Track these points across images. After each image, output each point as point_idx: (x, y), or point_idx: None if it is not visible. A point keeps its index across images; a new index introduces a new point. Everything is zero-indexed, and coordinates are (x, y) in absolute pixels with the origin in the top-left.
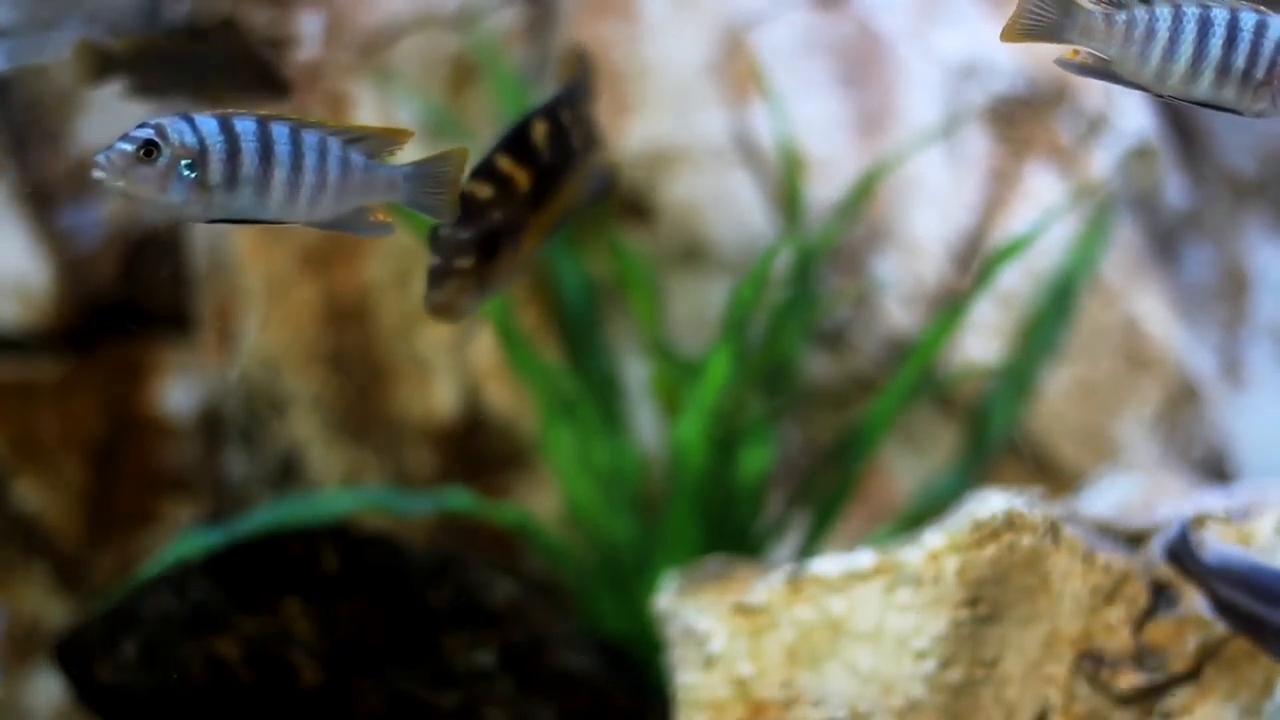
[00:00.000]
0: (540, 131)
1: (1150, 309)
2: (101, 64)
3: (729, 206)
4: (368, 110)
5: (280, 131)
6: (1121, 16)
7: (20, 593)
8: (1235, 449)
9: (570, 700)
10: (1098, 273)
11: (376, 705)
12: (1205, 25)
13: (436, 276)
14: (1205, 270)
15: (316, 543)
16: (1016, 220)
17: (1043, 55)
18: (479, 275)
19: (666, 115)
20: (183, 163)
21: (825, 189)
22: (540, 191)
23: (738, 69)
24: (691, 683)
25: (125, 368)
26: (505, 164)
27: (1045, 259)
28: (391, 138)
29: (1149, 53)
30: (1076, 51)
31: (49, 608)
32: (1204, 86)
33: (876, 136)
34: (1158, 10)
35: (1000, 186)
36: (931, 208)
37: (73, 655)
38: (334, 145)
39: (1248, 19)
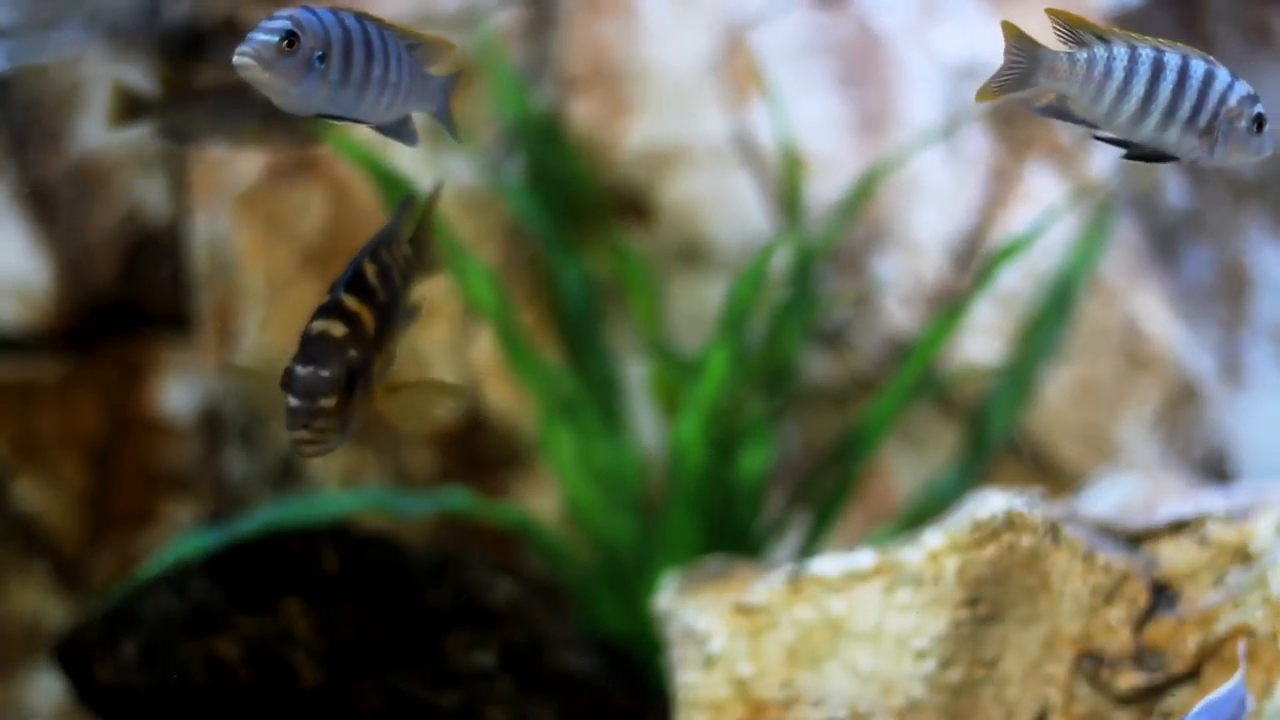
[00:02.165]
0: (372, 272)
1: (1150, 309)
2: (132, 106)
3: (729, 206)
4: None
5: (373, 29)
6: (1083, 55)
7: (20, 593)
8: (1235, 449)
9: (570, 700)
10: (1098, 273)
11: (376, 705)
12: (1158, 69)
13: (302, 416)
14: (1205, 270)
15: (316, 543)
16: (1016, 220)
17: None
18: (341, 414)
19: (666, 115)
20: (316, 54)
21: (825, 189)
22: (380, 332)
23: (738, 69)
24: (691, 683)
25: (125, 368)
26: (351, 302)
27: (1045, 259)
28: (440, 47)
29: (1104, 90)
30: (1048, 95)
31: (49, 608)
32: (1149, 128)
33: (876, 136)
34: (1115, 49)
35: (1000, 186)
36: (931, 208)
37: (73, 655)
38: (404, 49)
39: (1197, 67)
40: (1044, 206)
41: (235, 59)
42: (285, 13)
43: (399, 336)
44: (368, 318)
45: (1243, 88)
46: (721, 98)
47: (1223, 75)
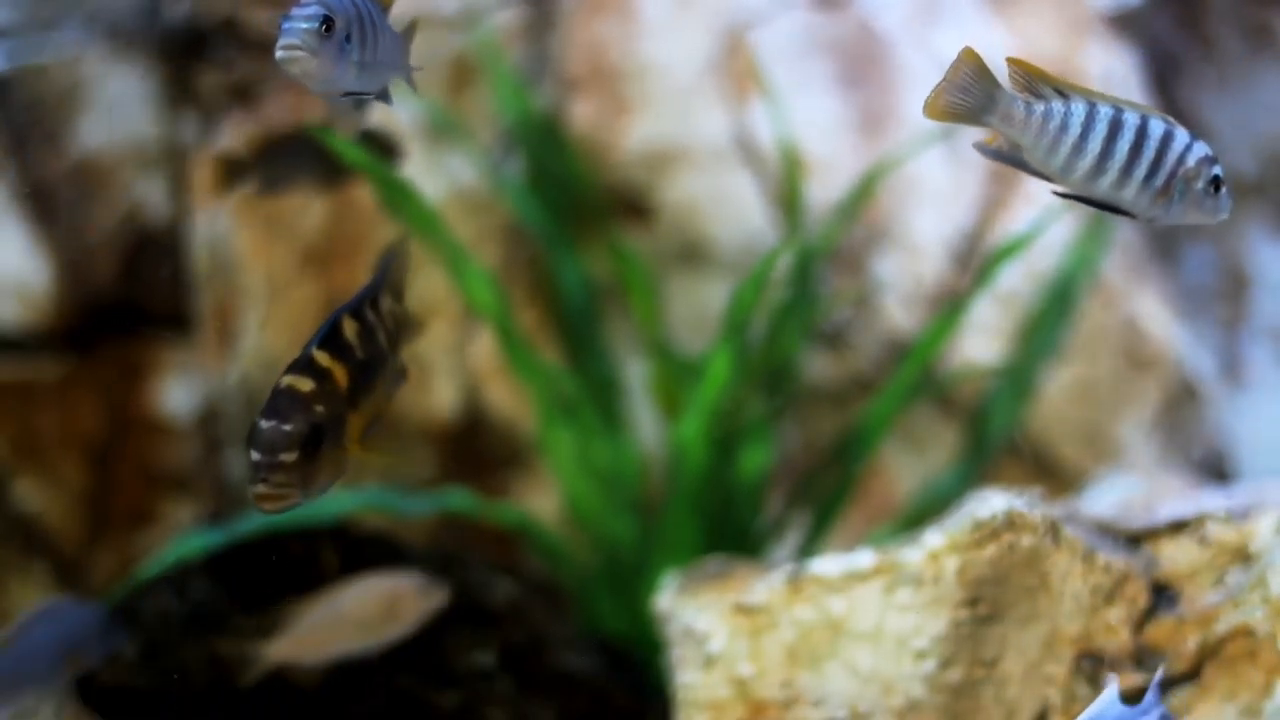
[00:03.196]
0: (351, 329)
1: (1150, 309)
2: (232, 171)
3: (729, 206)
4: None
5: (368, 2)
6: (1040, 107)
7: (20, 593)
8: (1235, 449)
9: (570, 700)
10: (1098, 273)
11: (376, 705)
12: (1116, 127)
13: (262, 470)
14: (1205, 270)
15: (316, 543)
16: (1016, 220)
17: (1043, 54)
18: (303, 471)
19: (666, 115)
20: (344, 35)
21: (825, 189)
22: (356, 390)
23: (738, 69)
24: (691, 683)
25: (125, 368)
26: (323, 358)
27: (1045, 259)
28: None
29: (1060, 145)
30: (995, 137)
31: None
32: (1104, 186)
33: (876, 136)
34: (1073, 106)
35: (1000, 186)
36: (931, 208)
37: None
38: (383, 15)
39: (1155, 127)
40: (1043, 206)
41: (281, 53)
42: None
43: (386, 396)
44: (340, 375)
45: (1201, 149)
46: (721, 98)
47: (1181, 136)
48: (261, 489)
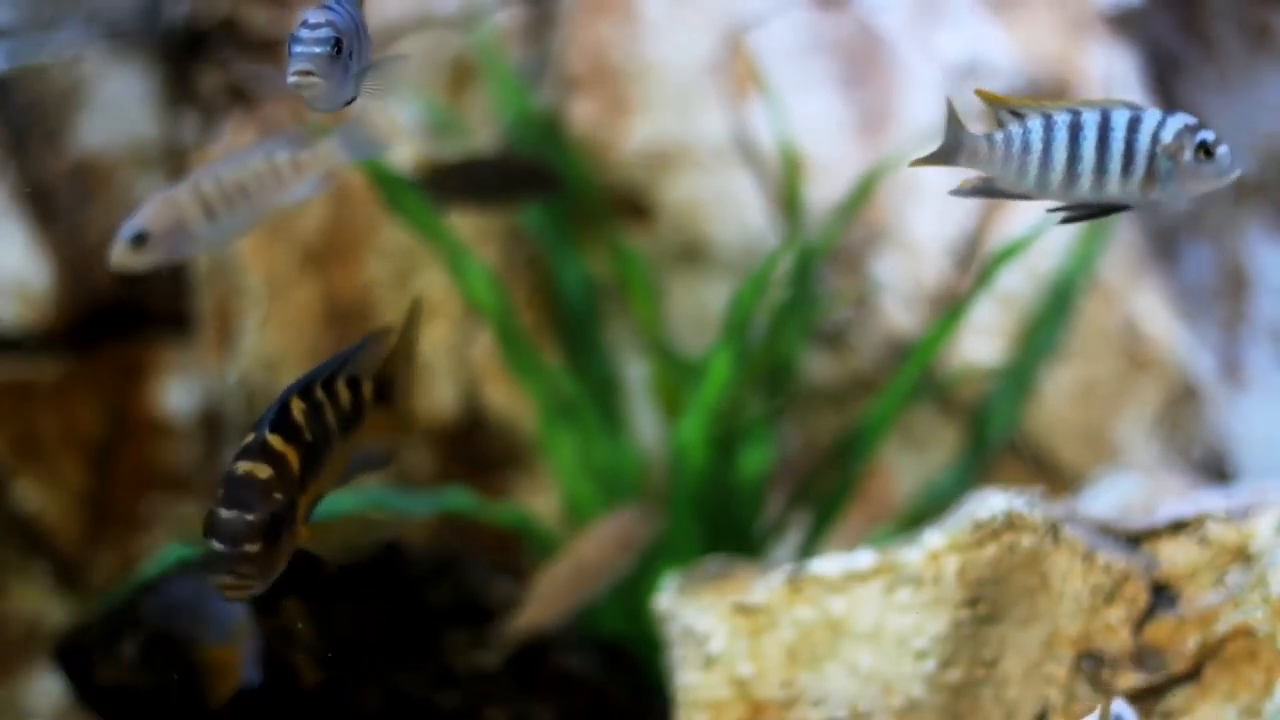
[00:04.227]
0: (299, 410)
1: (1150, 309)
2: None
3: (729, 206)
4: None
5: (355, 9)
6: (998, 136)
7: (20, 593)
8: (1235, 449)
9: (570, 700)
10: (1097, 273)
11: (376, 705)
12: (1075, 130)
13: (226, 562)
14: (1205, 270)
15: None
16: (1016, 221)
17: (1043, 54)
18: (265, 560)
19: (666, 115)
20: (349, 52)
21: (825, 189)
22: (305, 473)
23: (738, 69)
24: (691, 683)
25: (125, 368)
26: (277, 442)
27: (1045, 259)
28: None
29: (1026, 165)
30: (968, 180)
31: (49, 608)
32: (1083, 189)
33: (876, 136)
34: (1029, 123)
35: None
36: (931, 208)
37: (73, 655)
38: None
39: (1119, 117)
40: (1043, 207)
41: (295, 78)
42: (318, 17)
43: (332, 479)
44: (293, 459)
45: (1177, 121)
46: (721, 98)
47: (1151, 116)
48: (228, 580)
